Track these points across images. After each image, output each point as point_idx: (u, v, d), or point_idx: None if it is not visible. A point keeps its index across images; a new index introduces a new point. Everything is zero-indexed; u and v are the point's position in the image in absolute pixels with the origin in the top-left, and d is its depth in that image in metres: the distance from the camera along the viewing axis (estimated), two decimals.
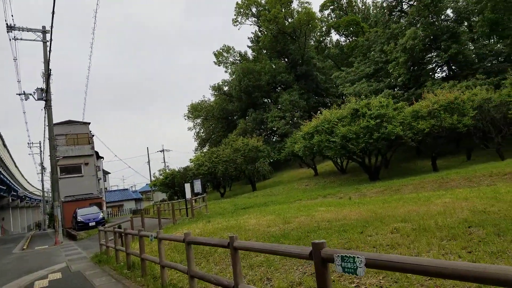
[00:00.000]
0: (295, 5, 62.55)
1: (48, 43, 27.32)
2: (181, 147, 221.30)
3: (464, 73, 35.11)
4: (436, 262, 2.65)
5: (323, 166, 41.30)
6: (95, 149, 48.75)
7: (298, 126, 42.61)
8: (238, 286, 5.13)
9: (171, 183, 45.13)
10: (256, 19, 63.76)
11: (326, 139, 28.08)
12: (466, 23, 39.63)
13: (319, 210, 13.46)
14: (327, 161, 40.36)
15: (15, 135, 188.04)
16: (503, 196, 10.24)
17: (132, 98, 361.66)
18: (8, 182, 49.42)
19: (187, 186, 24.66)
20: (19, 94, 29.53)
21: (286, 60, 62.20)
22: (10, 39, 28.03)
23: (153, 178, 53.55)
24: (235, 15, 63.49)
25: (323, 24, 63.86)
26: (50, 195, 51.16)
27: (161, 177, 47.55)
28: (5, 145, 46.68)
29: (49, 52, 26.86)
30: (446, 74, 40.40)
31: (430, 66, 39.75)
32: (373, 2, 59.01)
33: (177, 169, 46.71)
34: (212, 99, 66.85)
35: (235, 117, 63.70)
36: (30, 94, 28.75)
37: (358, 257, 3.12)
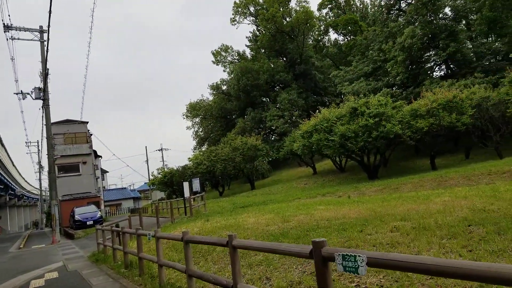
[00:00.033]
0: (293, 4, 62.78)
1: (45, 43, 27.29)
2: (179, 146, 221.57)
3: (462, 72, 35.08)
4: (440, 261, 2.60)
5: (322, 165, 41.28)
6: (93, 148, 48.73)
7: (296, 125, 42.61)
8: (237, 285, 5.07)
9: (170, 182, 45.07)
10: (254, 18, 63.70)
11: (325, 138, 28.05)
12: (464, 22, 39.58)
13: (318, 209, 13.42)
14: (326, 159, 40.36)
15: (14, 134, 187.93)
16: (502, 195, 10.20)
17: (131, 98, 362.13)
18: (5, 180, 49.34)
19: (186, 185, 24.59)
20: (17, 94, 29.47)
21: (285, 59, 62.16)
22: (7, 39, 28.03)
23: (151, 177, 53.48)
24: (233, 14, 63.52)
25: (321, 23, 63.73)
26: (48, 194, 51.08)
27: (159, 176, 47.49)
28: (2, 145, 46.59)
29: (47, 51, 26.85)
30: (444, 73, 40.36)
31: (429, 65, 39.71)
32: (371, 1, 58.93)
33: (175, 168, 46.66)
34: (211, 98, 66.89)
35: (233, 116, 63.72)
36: (28, 94, 28.72)
37: (359, 256, 3.06)
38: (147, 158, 68.88)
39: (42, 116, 29.90)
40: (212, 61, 67.01)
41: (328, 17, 63.50)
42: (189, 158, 48.27)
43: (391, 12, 43.33)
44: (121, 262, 11.64)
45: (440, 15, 38.32)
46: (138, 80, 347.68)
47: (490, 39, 38.02)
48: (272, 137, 59.62)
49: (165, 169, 49.02)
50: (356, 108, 27.71)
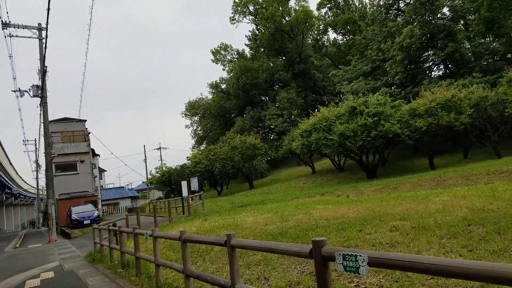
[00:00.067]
0: (292, 3, 62.80)
1: (43, 40, 27.21)
2: (178, 145, 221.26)
3: (460, 72, 35.10)
4: (444, 260, 2.53)
5: (321, 164, 41.26)
6: (91, 147, 48.57)
7: (295, 124, 42.58)
8: (235, 285, 5.01)
9: (168, 181, 44.98)
10: (253, 17, 63.70)
11: (324, 137, 28.02)
12: (462, 22, 39.63)
13: (317, 208, 13.37)
14: (324, 159, 40.33)
15: (11, 133, 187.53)
16: (501, 194, 10.17)
17: (130, 97, 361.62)
18: (2, 179, 49.13)
19: (184, 184, 24.51)
20: (15, 91, 29.39)
21: (284, 58, 62.17)
22: (5, 36, 27.96)
23: (149, 176, 53.40)
24: (232, 13, 63.55)
25: (320, 22, 63.79)
26: (45, 193, 50.99)
27: (157, 175, 47.38)
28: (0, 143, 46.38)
29: (45, 49, 26.75)
30: (442, 73, 40.42)
31: (427, 65, 39.78)
32: (370, 0, 59.09)
33: (173, 167, 46.58)
34: (210, 97, 66.90)
35: (232, 115, 63.75)
36: (26, 91, 28.61)
37: (360, 256, 3.01)
38: (145, 157, 68.51)
39: (40, 114, 29.84)
40: (212, 59, 67.08)
41: (327, 16, 63.59)
42: (187, 157, 48.25)
43: (390, 12, 43.38)
44: (118, 262, 11.56)
45: (439, 15, 38.36)
46: (138, 79, 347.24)
47: (488, 39, 38.06)
48: (271, 136, 59.61)
49: (163, 168, 48.90)
50: (355, 107, 27.69)
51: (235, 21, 64.05)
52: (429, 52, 37.79)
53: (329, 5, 61.04)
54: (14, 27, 27.90)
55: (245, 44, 68.41)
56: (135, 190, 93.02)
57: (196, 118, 67.23)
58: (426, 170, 25.29)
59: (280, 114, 51.59)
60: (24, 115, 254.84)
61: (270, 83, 60.38)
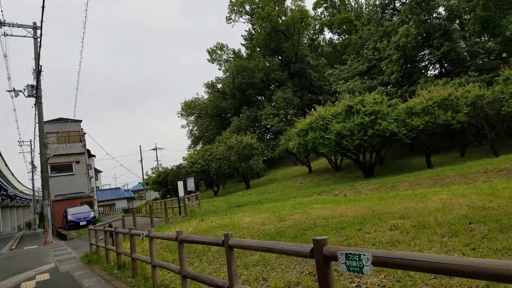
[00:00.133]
0: (288, 3, 62.73)
1: (38, 39, 27.07)
2: (174, 145, 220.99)
3: (456, 71, 35.19)
4: (453, 259, 2.44)
5: (317, 164, 41.23)
6: (87, 147, 48.40)
7: (292, 124, 42.55)
8: (233, 286, 4.91)
9: (164, 182, 44.86)
10: (249, 17, 63.68)
11: (321, 136, 27.98)
12: (458, 21, 39.68)
13: (314, 208, 13.27)
14: (321, 158, 40.29)
15: (7, 134, 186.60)
16: (501, 192, 10.08)
17: (128, 97, 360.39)
18: None
19: (180, 184, 24.40)
20: (9, 91, 29.21)
21: (280, 57, 62.13)
22: (0, 35, 27.79)
23: (145, 177, 53.26)
24: (228, 12, 63.62)
25: (316, 22, 63.89)
26: (41, 194, 50.77)
27: (153, 175, 47.30)
28: None
29: (40, 48, 26.61)
30: (438, 72, 40.40)
31: (423, 64, 39.81)
32: (365, 0, 59.13)
33: (170, 167, 46.46)
34: (206, 96, 66.82)
35: (228, 115, 63.68)
36: (20, 91, 28.50)
37: (364, 255, 2.90)
38: (141, 157, 68.41)
39: (35, 114, 29.72)
40: (208, 59, 67.09)
41: (323, 16, 63.68)
42: (183, 157, 48.13)
43: (386, 11, 43.41)
44: (114, 263, 11.47)
45: (434, 15, 38.41)
46: (136, 79, 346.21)
47: (484, 38, 38.16)
48: (267, 135, 59.55)
49: (159, 169, 48.88)
50: (351, 106, 27.64)
51: (231, 21, 64.16)
52: (425, 51, 37.85)
53: (325, 4, 61.07)
54: (9, 26, 27.76)
55: (241, 44, 68.35)
56: (131, 191, 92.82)
57: (192, 118, 67.13)
58: (423, 169, 25.28)
59: (276, 113, 51.53)
60: (19, 115, 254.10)
61: (266, 83, 60.37)
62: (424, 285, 4.69)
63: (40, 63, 27.39)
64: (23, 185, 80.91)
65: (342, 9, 61.17)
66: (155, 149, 72.75)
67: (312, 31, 65.36)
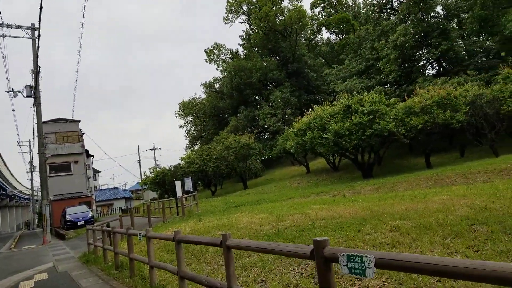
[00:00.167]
0: (285, 3, 62.96)
1: (37, 40, 27.02)
2: (172, 145, 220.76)
3: (455, 70, 35.13)
4: (461, 262, 2.34)
5: (315, 164, 41.16)
6: (85, 147, 48.33)
7: (289, 124, 42.50)
8: None
9: (162, 182, 44.76)
10: (247, 17, 63.70)
11: (319, 136, 27.87)
12: (455, 20, 39.66)
13: (313, 208, 13.17)
14: (319, 158, 40.23)
15: (5, 134, 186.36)
16: (503, 193, 9.93)
17: (127, 98, 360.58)
18: None
19: (178, 184, 24.32)
20: (8, 91, 29.16)
21: (277, 57, 62.13)
22: None
23: (143, 177, 53.15)
24: (226, 13, 63.62)
25: (314, 22, 63.80)
26: (40, 194, 50.78)
27: (151, 175, 47.14)
28: None
29: (38, 49, 26.55)
30: (437, 71, 40.43)
31: (421, 63, 39.80)
32: (363, 0, 59.08)
33: (167, 167, 46.35)
34: (204, 96, 66.83)
35: (226, 115, 63.71)
36: (19, 92, 28.45)
37: (366, 257, 2.82)
38: (139, 157, 68.11)
39: (34, 115, 29.64)
40: (205, 59, 67.12)
41: (320, 16, 63.65)
42: (181, 157, 48.04)
43: (383, 11, 43.42)
44: (112, 263, 11.41)
45: (432, 14, 38.42)
46: (135, 79, 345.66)
47: (482, 37, 38.13)
48: (265, 135, 59.53)
49: (157, 169, 48.69)
50: (349, 105, 27.52)
51: (228, 21, 64.15)
52: (423, 51, 37.83)
53: (322, 4, 61.07)
54: (7, 27, 27.75)
55: (239, 44, 68.60)
56: (129, 191, 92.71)
57: (189, 118, 67.18)
58: (423, 169, 25.18)
59: (274, 113, 51.52)
60: (18, 116, 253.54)
61: (264, 83, 60.37)
62: None
63: (39, 63, 27.32)
64: (22, 185, 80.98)
65: (339, 8, 61.15)
66: (153, 149, 72.59)
67: (309, 31, 65.33)
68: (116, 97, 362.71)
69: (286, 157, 46.13)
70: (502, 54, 31.24)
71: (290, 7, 60.85)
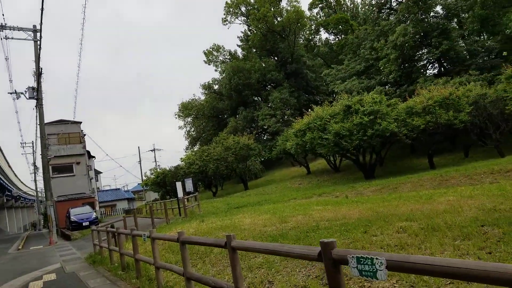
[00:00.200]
0: (284, 3, 62.71)
1: (38, 42, 27.11)
2: (172, 146, 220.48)
3: (456, 70, 34.98)
4: (478, 264, 2.31)
5: (316, 165, 41.08)
6: (87, 149, 48.41)
7: (289, 124, 42.50)
8: None
9: (163, 182, 44.74)
10: (245, 18, 63.77)
11: (319, 136, 27.75)
12: (456, 20, 39.55)
13: (316, 209, 13.10)
14: (319, 159, 40.14)
15: (9, 136, 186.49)
16: (511, 194, 9.76)
17: (127, 99, 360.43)
18: (1, 181, 48.95)
19: (179, 185, 24.29)
20: (11, 93, 29.29)
21: (276, 58, 62.15)
22: (1, 38, 27.89)
23: (144, 178, 53.11)
24: (224, 14, 63.72)
25: (312, 22, 63.76)
26: (44, 195, 50.87)
27: (152, 176, 47.12)
28: None
29: (39, 50, 26.62)
30: (438, 71, 40.30)
31: (422, 63, 39.59)
32: (361, 0, 59.03)
33: (168, 168, 46.34)
34: (203, 97, 66.98)
35: (225, 116, 63.81)
36: (22, 93, 28.62)
37: (377, 259, 2.77)
38: (139, 158, 67.99)
39: (36, 116, 29.75)
40: (204, 60, 67.27)
41: (319, 16, 63.52)
42: (181, 158, 48.01)
43: (382, 11, 43.29)
44: (118, 264, 11.43)
45: (432, 14, 38.28)
46: (135, 81, 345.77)
47: (483, 37, 38.02)
48: (264, 136, 59.57)
49: (158, 170, 48.70)
50: (350, 106, 27.34)
51: (227, 22, 64.20)
52: (423, 51, 37.69)
53: (320, 5, 60.95)
54: (10, 29, 27.82)
55: (237, 45, 68.53)
56: (131, 191, 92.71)
57: (189, 119, 67.30)
58: (426, 170, 24.88)
59: (273, 114, 51.55)
60: (21, 117, 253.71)
61: (263, 83, 60.41)
62: None
63: (41, 65, 27.44)
64: (26, 186, 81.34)
65: (338, 9, 61.05)
66: (154, 150, 72.55)
67: (308, 32, 65.37)
68: (116, 98, 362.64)
69: (286, 158, 46.10)
70: (505, 53, 31.12)
71: (288, 8, 60.93)
